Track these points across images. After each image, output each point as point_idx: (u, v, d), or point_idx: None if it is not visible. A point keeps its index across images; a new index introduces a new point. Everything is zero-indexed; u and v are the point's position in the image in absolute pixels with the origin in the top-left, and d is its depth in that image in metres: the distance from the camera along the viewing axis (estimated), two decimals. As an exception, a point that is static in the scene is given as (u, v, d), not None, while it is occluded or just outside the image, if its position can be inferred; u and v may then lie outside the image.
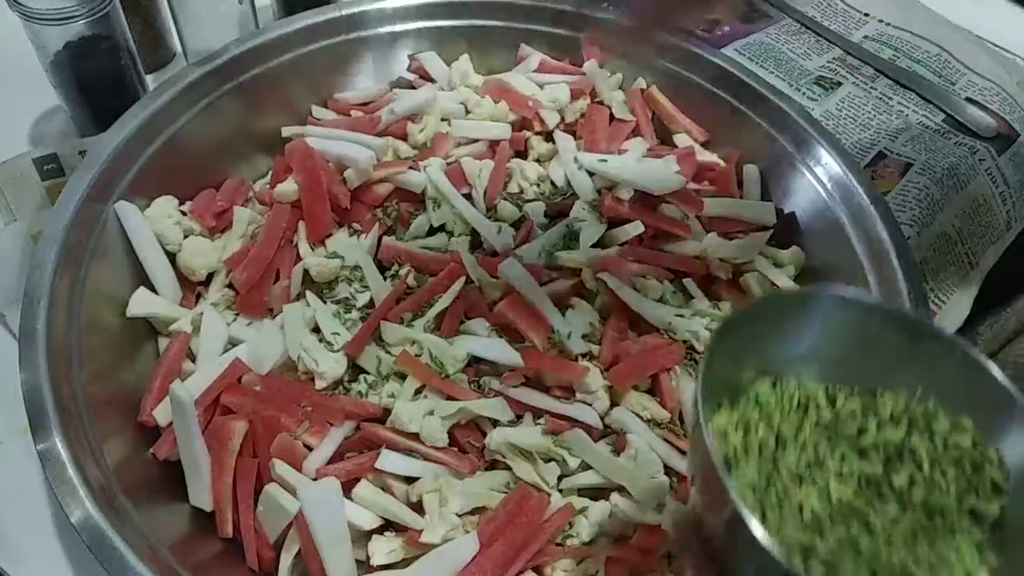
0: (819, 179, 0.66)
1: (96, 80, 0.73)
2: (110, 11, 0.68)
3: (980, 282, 0.72)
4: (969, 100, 0.82)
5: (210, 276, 0.63)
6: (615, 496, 0.53)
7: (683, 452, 0.55)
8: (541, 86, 0.74)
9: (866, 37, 0.90)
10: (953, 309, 0.70)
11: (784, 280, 0.63)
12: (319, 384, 0.55)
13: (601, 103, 0.74)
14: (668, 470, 0.54)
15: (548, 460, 0.53)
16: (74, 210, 0.57)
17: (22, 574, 0.55)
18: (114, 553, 0.44)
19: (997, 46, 0.91)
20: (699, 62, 0.73)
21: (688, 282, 0.63)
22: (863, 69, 0.86)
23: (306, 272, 0.61)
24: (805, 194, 0.67)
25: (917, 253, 0.68)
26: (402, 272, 0.61)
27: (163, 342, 0.60)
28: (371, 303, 0.61)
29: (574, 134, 0.72)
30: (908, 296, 0.58)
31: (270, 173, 0.69)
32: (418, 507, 0.52)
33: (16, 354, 0.50)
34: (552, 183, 0.69)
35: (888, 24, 0.92)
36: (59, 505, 0.46)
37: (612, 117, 0.73)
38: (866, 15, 0.93)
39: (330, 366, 0.55)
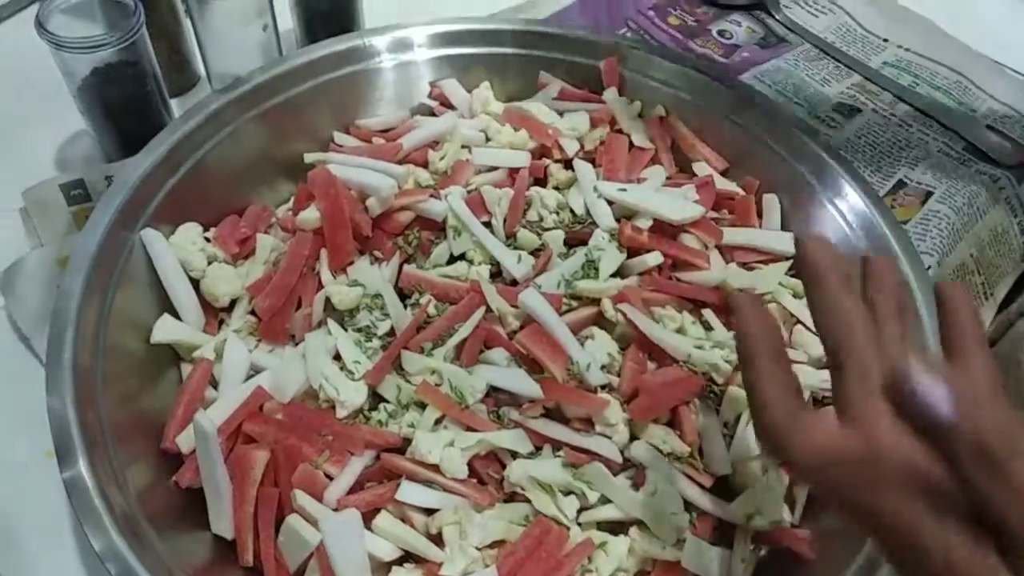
0: (839, 209, 0.66)
1: (123, 105, 0.74)
2: (138, 38, 0.69)
3: (994, 313, 0.72)
4: (990, 128, 0.81)
5: (233, 303, 0.64)
6: (634, 531, 0.53)
7: (702, 487, 0.55)
8: (561, 114, 0.74)
9: (885, 63, 0.90)
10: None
11: (804, 312, 0.63)
12: (340, 413, 0.56)
13: (620, 131, 0.74)
14: (688, 505, 0.53)
15: (567, 493, 0.53)
16: (101, 237, 0.58)
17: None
18: (138, 583, 0.45)
19: (1019, 72, 0.90)
20: (718, 89, 0.74)
21: (707, 312, 0.63)
22: (882, 96, 0.86)
23: (328, 300, 0.61)
24: (825, 224, 0.67)
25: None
26: (423, 301, 0.62)
27: (186, 368, 0.61)
28: (392, 331, 0.61)
29: (593, 162, 0.73)
30: (929, 328, 0.58)
31: (292, 199, 0.69)
32: (438, 539, 0.52)
33: (41, 378, 0.51)
34: (571, 211, 0.69)
35: (907, 50, 0.92)
36: (82, 531, 0.46)
37: (631, 145, 0.73)
38: (885, 40, 0.93)
39: (351, 395, 0.56)
